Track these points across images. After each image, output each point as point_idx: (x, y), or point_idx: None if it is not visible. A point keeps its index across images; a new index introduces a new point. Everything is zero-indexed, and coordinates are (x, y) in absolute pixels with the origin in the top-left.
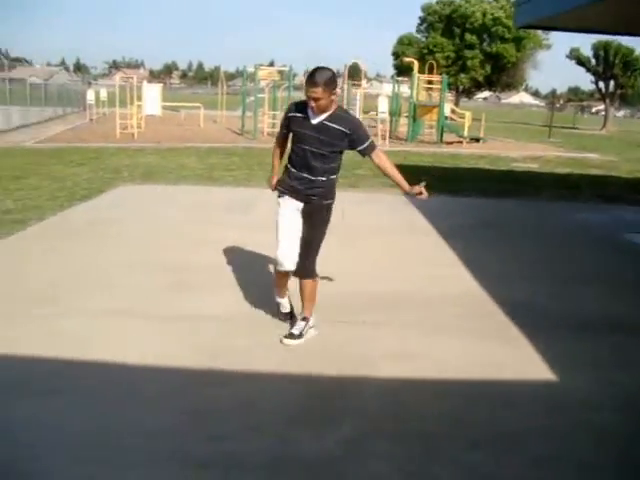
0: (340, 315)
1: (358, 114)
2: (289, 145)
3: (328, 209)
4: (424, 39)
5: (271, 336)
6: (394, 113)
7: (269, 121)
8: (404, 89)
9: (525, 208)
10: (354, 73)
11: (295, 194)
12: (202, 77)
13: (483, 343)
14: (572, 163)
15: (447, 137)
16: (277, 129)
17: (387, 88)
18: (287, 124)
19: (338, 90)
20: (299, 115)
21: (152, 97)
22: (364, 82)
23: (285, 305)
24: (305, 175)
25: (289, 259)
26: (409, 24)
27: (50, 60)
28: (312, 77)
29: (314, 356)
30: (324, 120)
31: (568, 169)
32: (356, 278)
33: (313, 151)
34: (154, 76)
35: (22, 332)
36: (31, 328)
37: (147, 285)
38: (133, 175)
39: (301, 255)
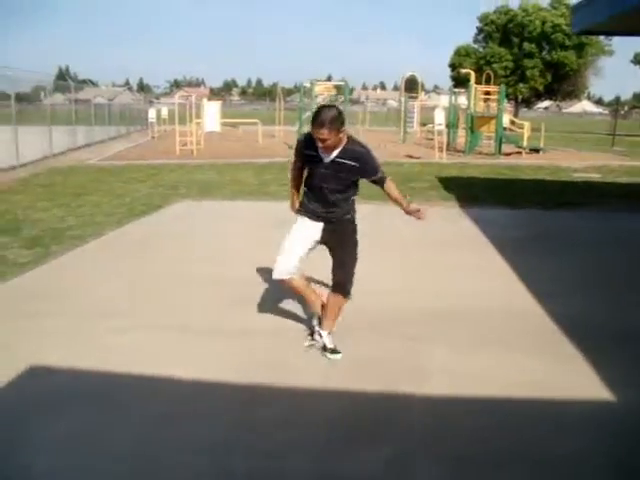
0: (391, 329)
1: (415, 127)
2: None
3: (351, 222)
4: (481, 49)
5: (316, 349)
6: (452, 125)
7: None
8: (462, 100)
9: (586, 220)
10: (411, 86)
11: (315, 216)
12: (261, 93)
13: (536, 360)
14: (637, 172)
15: (506, 148)
16: None
17: (445, 100)
18: (302, 159)
19: (345, 128)
20: (312, 153)
21: (212, 114)
22: (422, 94)
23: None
24: (323, 205)
25: (282, 269)
26: (467, 35)
27: (115, 81)
28: (317, 118)
29: (363, 371)
30: (336, 157)
31: (632, 178)
32: (408, 292)
33: (329, 187)
34: (214, 93)
35: (84, 346)
36: (92, 343)
37: (203, 300)
38: (190, 191)
39: (339, 276)
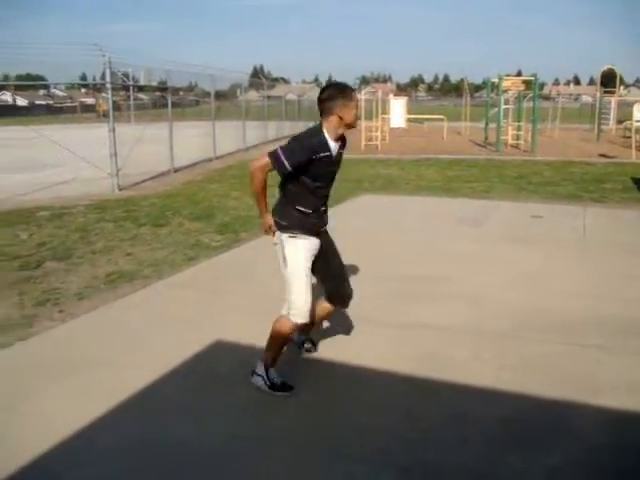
0: (567, 336)
1: (611, 124)
2: (293, 186)
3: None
4: None
5: (492, 348)
6: None
7: (513, 132)
8: None
9: None
10: (609, 80)
11: (314, 232)
12: (448, 89)
13: None
14: None
15: None
16: (521, 141)
17: None
18: (306, 167)
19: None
20: (327, 154)
21: (397, 110)
22: (620, 89)
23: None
24: (323, 212)
25: (306, 311)
26: None
27: (305, 78)
28: (346, 88)
29: (534, 374)
30: (339, 148)
31: None
32: (587, 298)
33: (329, 187)
34: (400, 89)
35: (266, 325)
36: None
37: (377, 291)
38: (373, 185)
39: (347, 286)
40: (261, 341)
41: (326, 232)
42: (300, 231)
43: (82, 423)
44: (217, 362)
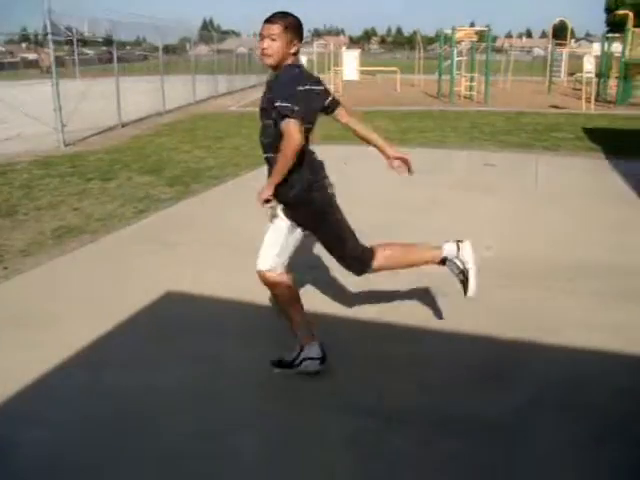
0: (524, 280)
1: (563, 76)
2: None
3: None
4: None
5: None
6: (603, 74)
7: (466, 84)
8: (616, 48)
9: None
10: (560, 33)
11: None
12: (401, 42)
13: None
14: None
15: None
16: (474, 92)
17: (597, 47)
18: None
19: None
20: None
21: (350, 62)
22: (571, 42)
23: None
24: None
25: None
26: None
27: (257, 30)
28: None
29: (497, 318)
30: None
31: None
32: (544, 243)
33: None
34: (353, 42)
35: (218, 274)
36: (226, 271)
37: None
38: (324, 134)
39: None
40: (212, 291)
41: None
42: None
43: (34, 375)
44: (167, 312)
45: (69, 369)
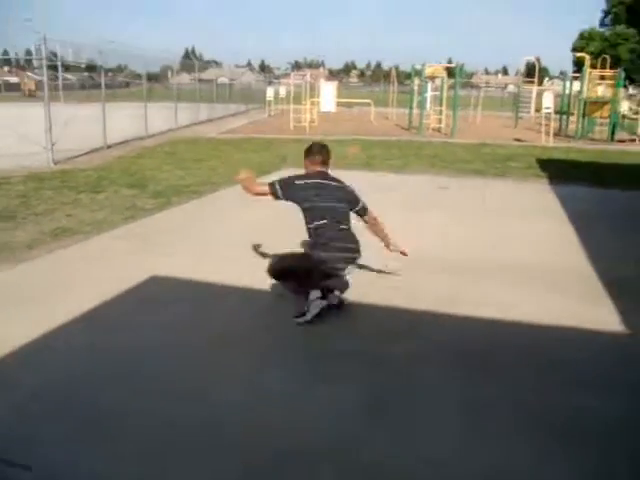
0: (447, 273)
1: (532, 112)
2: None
3: None
4: (607, 32)
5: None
6: (563, 111)
7: (435, 117)
8: (578, 86)
9: None
10: (533, 71)
11: None
12: (379, 76)
13: (565, 300)
14: None
15: (621, 135)
16: (443, 125)
17: (560, 85)
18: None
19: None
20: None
21: (328, 94)
22: (546, 80)
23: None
24: None
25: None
26: (595, 19)
27: (238, 62)
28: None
29: (406, 296)
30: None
31: None
32: (476, 248)
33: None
34: (333, 75)
35: (198, 263)
36: (206, 260)
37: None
38: (298, 160)
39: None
40: (189, 274)
41: None
42: None
43: (35, 334)
44: (151, 290)
45: (70, 329)
